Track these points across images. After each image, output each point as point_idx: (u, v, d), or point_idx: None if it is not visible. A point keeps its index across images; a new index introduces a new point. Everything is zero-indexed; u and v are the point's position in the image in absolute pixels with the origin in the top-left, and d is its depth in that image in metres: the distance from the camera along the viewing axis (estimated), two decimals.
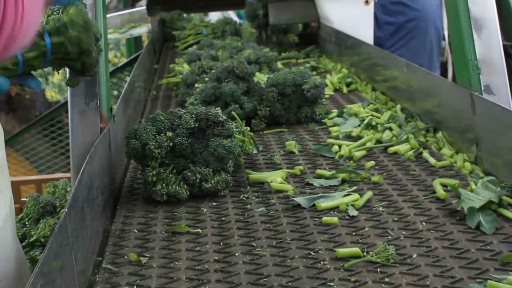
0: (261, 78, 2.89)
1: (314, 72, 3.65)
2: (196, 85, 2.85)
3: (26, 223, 2.30)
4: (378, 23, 4.06)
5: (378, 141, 2.35)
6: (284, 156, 2.26)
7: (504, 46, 2.25)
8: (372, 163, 2.12)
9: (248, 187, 1.98)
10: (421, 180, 1.97)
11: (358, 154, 2.21)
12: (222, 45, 3.71)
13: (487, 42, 2.16)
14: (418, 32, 4.13)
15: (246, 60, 2.89)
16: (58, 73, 1.89)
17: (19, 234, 2.18)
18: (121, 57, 8.31)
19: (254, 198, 1.89)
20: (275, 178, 1.96)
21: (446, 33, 4.55)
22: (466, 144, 2.13)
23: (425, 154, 2.18)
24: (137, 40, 6.00)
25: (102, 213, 1.73)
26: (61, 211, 2.26)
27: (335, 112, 2.73)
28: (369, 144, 2.32)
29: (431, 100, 2.42)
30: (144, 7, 4.87)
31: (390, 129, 2.47)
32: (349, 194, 1.83)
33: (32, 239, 2.20)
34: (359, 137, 2.42)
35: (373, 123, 2.51)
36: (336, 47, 3.91)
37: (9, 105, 5.54)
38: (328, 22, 4.17)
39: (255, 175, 2.02)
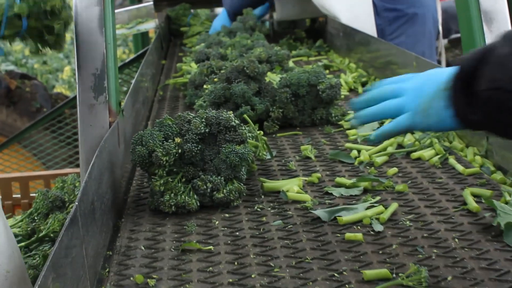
0: (273, 78, 2.60)
1: (327, 71, 3.32)
2: (204, 86, 2.61)
3: (35, 218, 2.20)
4: (377, 10, 3.84)
5: (400, 146, 2.10)
6: (300, 162, 2.02)
7: None
8: (394, 169, 1.88)
9: (263, 197, 1.74)
10: (449, 189, 1.72)
11: (379, 160, 1.96)
12: (231, 43, 3.39)
13: (498, 35, 1.96)
14: (417, 19, 3.91)
15: (257, 59, 2.60)
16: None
17: (28, 229, 2.10)
18: (129, 53, 8.18)
19: (269, 209, 1.65)
20: (292, 187, 1.73)
21: (440, 27, 4.34)
22: (476, 138, 2.00)
23: (452, 160, 1.92)
24: (144, 35, 5.86)
25: (111, 208, 1.61)
26: (70, 206, 2.15)
27: (351, 113, 2.41)
28: (390, 149, 2.06)
29: None
30: (151, 3, 4.69)
31: (412, 132, 2.21)
32: (373, 206, 1.59)
33: (41, 234, 2.10)
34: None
35: None
36: (344, 41, 3.73)
37: (9, 98, 5.39)
38: (332, 17, 3.96)
39: (270, 184, 1.78)
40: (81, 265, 1.21)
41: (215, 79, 2.47)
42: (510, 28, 2.05)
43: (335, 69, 3.38)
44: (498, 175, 1.78)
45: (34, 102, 5.29)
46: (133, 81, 2.48)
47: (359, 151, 2.06)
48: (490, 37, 1.99)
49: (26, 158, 4.80)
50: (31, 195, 3.31)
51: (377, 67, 3.07)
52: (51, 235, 2.11)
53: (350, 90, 2.94)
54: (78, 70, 1.90)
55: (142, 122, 2.55)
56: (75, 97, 4.77)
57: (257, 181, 1.85)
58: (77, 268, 1.18)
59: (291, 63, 3.23)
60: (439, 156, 1.96)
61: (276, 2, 4.22)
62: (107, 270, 1.37)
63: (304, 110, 2.38)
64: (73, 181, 2.42)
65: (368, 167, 1.93)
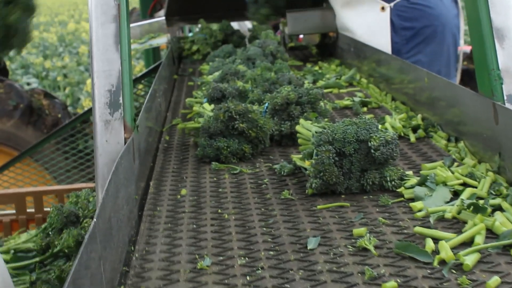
0: (307, 126, 2.12)
1: (365, 109, 2.91)
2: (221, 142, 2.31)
3: (50, 233, 2.24)
4: (394, 28, 3.89)
5: (489, 231, 1.57)
6: (355, 257, 1.49)
7: None
8: (496, 280, 1.33)
9: None
10: None
11: (470, 260, 1.42)
12: (252, 77, 2.95)
13: (509, 51, 2.07)
14: (435, 37, 3.97)
15: (284, 101, 2.41)
16: None
17: (43, 244, 2.15)
18: None
19: None
20: None
21: (462, 42, 4.38)
22: (488, 154, 2.03)
23: None
24: (155, 50, 5.90)
25: (127, 223, 1.66)
26: (84, 221, 2.19)
27: (411, 176, 1.96)
28: (479, 240, 1.52)
29: (452, 109, 2.33)
30: (163, 18, 4.73)
31: (501, 209, 1.70)
32: None
33: (56, 250, 2.15)
34: (456, 220, 1.67)
35: (475, 200, 1.72)
36: (355, 57, 3.78)
37: None
38: (347, 31, 4.03)
39: None
40: (99, 281, 1.24)
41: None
42: None
43: (375, 106, 2.95)
44: (511, 192, 1.77)
45: (10, 101, 5.32)
46: (146, 97, 2.49)
47: (435, 239, 1.53)
48: (502, 54, 2.04)
49: (38, 172, 4.84)
50: (45, 209, 3.35)
51: (388, 82, 3.11)
52: (66, 250, 2.15)
53: (399, 137, 2.39)
54: (93, 86, 1.95)
55: (155, 139, 2.52)
56: (86, 112, 4.83)
57: None
58: (96, 284, 1.21)
59: (328, 105, 2.81)
60: None
61: (288, 17, 4.27)
62: (123, 286, 1.40)
63: (351, 173, 1.91)
64: (87, 196, 2.45)
65: (454, 271, 1.40)
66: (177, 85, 3.93)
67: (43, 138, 4.77)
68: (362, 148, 1.90)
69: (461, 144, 2.21)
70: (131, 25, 4.48)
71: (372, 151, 1.88)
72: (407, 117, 2.61)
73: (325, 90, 3.28)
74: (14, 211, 3.39)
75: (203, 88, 3.24)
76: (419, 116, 2.59)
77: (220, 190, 2.01)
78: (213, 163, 2.25)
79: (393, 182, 1.91)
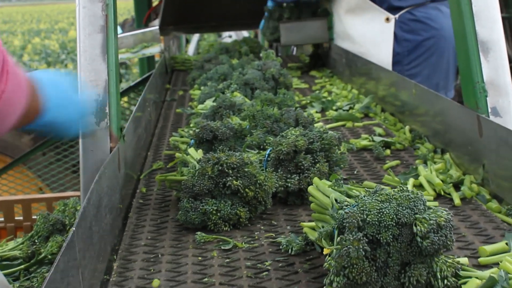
0: (324, 190, 1.58)
1: (388, 151, 2.40)
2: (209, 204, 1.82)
3: (36, 241, 2.27)
4: (397, 39, 3.93)
5: None
6: None
7: None
8: None
9: None
10: None
11: None
12: (250, 113, 2.34)
13: (494, 64, 2.10)
14: (436, 50, 3.99)
15: (291, 149, 1.92)
16: None
17: (29, 251, 2.16)
18: None
19: None
20: None
21: None
22: (473, 166, 2.05)
23: None
24: (150, 59, 5.92)
25: (110, 232, 1.67)
26: (70, 229, 2.21)
27: (469, 269, 1.44)
28: None
29: (439, 121, 2.35)
30: (157, 27, 4.75)
31: None
32: None
33: (40, 257, 2.17)
34: None
35: None
36: (346, 67, 3.80)
37: None
38: (346, 38, 4.05)
39: None
40: None
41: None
42: (506, 58, 2.13)
43: (399, 148, 2.47)
44: (494, 204, 1.80)
45: None
46: (135, 107, 2.50)
47: None
48: (486, 67, 2.07)
49: (30, 179, 4.85)
50: (33, 217, 3.34)
51: (378, 93, 3.14)
52: (50, 257, 2.17)
53: (438, 196, 1.97)
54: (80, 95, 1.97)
55: (144, 147, 2.48)
56: None
57: None
58: None
59: (342, 148, 2.25)
60: None
61: (281, 28, 4.30)
62: None
63: (388, 268, 1.36)
64: (74, 205, 2.48)
65: None
66: (164, 112, 3.42)
67: (37, 145, 4.79)
68: (404, 234, 1.36)
69: (447, 156, 2.22)
70: (125, 34, 4.51)
71: (419, 239, 1.34)
72: (445, 167, 2.14)
73: (337, 124, 2.87)
74: (2, 219, 3.40)
75: (191, 124, 2.74)
76: (407, 127, 2.61)
77: (206, 279, 1.52)
78: (198, 233, 1.76)
79: (445, 281, 1.38)
